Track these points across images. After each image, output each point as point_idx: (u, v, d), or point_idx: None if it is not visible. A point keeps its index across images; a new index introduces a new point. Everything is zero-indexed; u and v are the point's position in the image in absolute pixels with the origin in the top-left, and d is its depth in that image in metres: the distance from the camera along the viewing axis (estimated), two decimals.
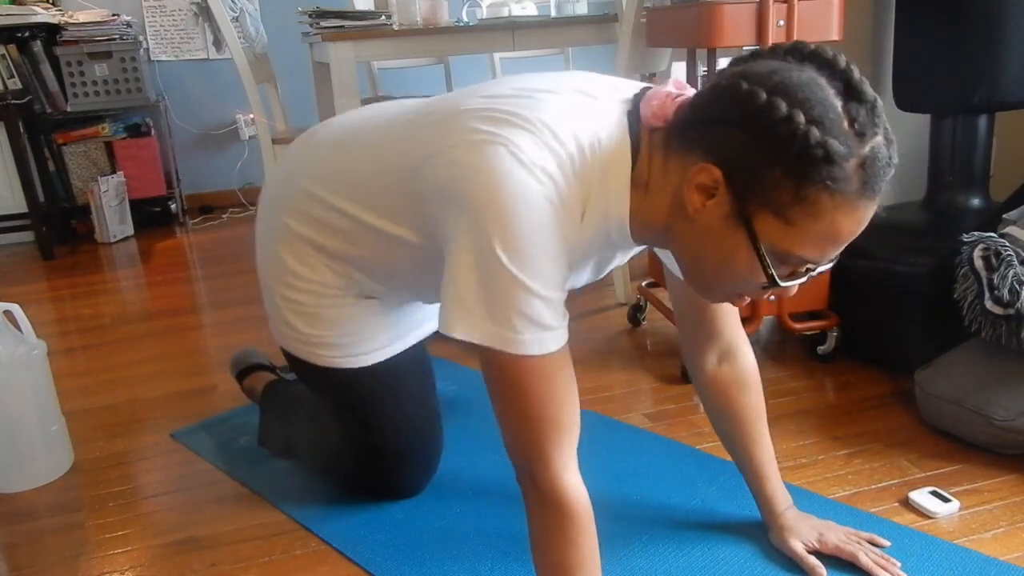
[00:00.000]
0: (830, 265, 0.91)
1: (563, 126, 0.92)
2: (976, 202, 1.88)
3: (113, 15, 3.59)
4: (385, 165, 1.08)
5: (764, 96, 0.81)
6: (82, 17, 3.54)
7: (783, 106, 0.81)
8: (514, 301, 0.88)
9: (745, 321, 1.87)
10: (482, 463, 1.50)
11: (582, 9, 2.91)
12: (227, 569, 1.26)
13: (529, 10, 2.95)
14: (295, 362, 1.31)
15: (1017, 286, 1.46)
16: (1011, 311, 1.47)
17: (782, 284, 0.89)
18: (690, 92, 0.95)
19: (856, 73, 0.84)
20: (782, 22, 1.66)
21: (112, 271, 3.16)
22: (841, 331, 1.88)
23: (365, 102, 2.18)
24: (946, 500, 1.32)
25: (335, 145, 1.20)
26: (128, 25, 3.63)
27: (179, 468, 1.58)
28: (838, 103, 0.82)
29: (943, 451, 1.49)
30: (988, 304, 1.50)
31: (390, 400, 1.32)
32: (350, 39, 2.45)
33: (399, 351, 1.31)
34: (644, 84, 1.03)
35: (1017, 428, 1.41)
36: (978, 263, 1.53)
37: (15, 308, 1.53)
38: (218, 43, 2.87)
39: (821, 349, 1.90)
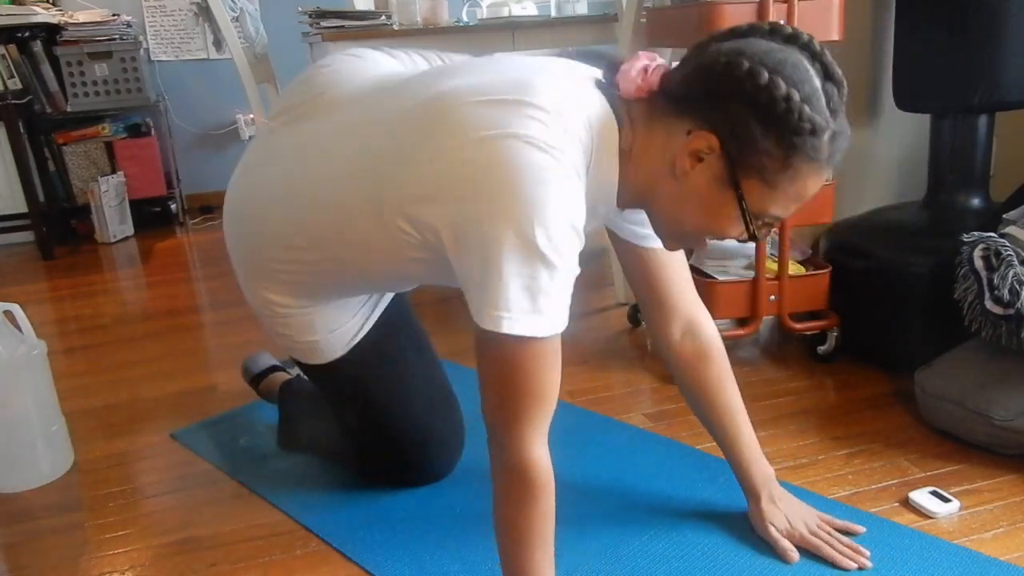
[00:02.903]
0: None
1: (565, 105, 0.94)
2: (976, 202, 1.88)
3: (113, 15, 3.59)
4: (354, 185, 1.03)
5: (767, 75, 0.89)
6: (82, 17, 3.54)
7: (783, 85, 0.89)
8: (542, 282, 0.89)
9: (744, 322, 1.87)
10: (482, 463, 1.49)
11: (582, 9, 2.91)
12: (227, 569, 1.26)
13: (529, 10, 2.94)
14: (298, 363, 1.33)
15: (1017, 286, 1.46)
16: (1011, 311, 1.47)
17: (759, 238, 1.00)
18: (660, 61, 0.99)
19: (828, 56, 0.94)
20: (782, 22, 1.65)
21: (112, 271, 3.16)
22: (841, 331, 1.88)
23: None
24: (946, 500, 1.32)
25: (293, 167, 1.13)
26: (128, 25, 3.63)
27: (179, 468, 1.58)
28: (818, 83, 0.92)
29: (943, 451, 1.49)
30: (988, 304, 1.50)
31: (394, 380, 1.34)
32: (350, 39, 2.45)
33: (377, 319, 1.31)
34: (606, 60, 1.06)
35: (1017, 428, 1.41)
36: (978, 263, 1.53)
37: (15, 308, 1.53)
38: (218, 43, 2.87)
39: (821, 349, 1.90)
